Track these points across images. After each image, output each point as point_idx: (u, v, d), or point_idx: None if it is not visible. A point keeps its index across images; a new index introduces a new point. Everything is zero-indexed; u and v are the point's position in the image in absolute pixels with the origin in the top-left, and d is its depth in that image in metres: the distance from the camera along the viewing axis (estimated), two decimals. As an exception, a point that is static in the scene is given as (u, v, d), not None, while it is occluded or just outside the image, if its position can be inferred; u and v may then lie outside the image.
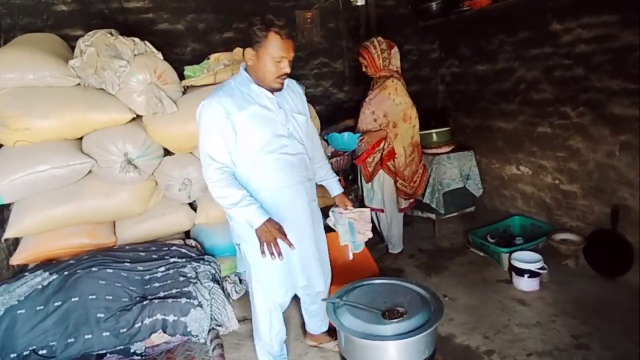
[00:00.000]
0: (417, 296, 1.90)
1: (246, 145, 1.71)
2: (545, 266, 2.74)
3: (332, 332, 2.37)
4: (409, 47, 4.10)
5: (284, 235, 1.68)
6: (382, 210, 3.22)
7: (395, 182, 3.10)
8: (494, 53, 3.56)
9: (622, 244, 2.73)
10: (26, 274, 2.08)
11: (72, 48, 2.55)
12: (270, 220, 1.68)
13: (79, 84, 2.39)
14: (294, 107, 1.85)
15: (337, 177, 2.19)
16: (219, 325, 2.00)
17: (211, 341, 1.86)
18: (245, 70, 1.77)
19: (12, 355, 1.72)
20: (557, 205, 3.25)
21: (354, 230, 2.13)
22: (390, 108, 2.94)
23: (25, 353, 1.73)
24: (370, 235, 2.19)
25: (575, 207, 3.10)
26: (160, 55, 2.54)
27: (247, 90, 1.72)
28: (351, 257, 2.35)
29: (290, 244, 1.69)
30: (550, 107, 3.13)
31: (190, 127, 2.48)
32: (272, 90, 1.75)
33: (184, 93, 2.68)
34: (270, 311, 1.98)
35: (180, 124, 2.45)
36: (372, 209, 3.20)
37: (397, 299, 1.87)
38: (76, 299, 1.87)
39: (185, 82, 2.64)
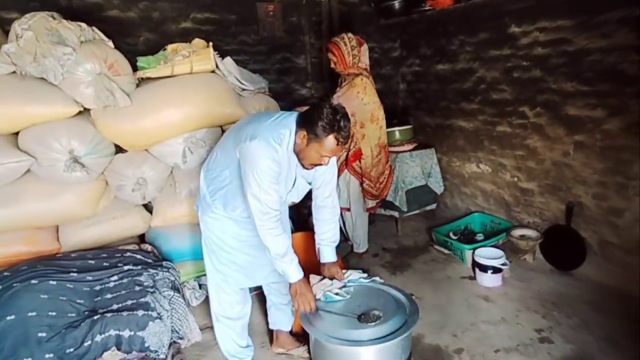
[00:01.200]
0: (391, 298, 1.85)
1: None
2: (507, 262, 2.81)
3: (300, 338, 2.28)
4: (370, 45, 4.01)
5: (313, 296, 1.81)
6: (348, 209, 3.17)
7: (362, 182, 3.05)
8: (455, 53, 3.61)
9: (576, 239, 2.85)
10: (-49, 289, 1.81)
11: (7, 33, 2.26)
12: (304, 279, 1.79)
13: (14, 72, 2.12)
14: (305, 174, 1.87)
15: (336, 243, 2.03)
16: (181, 338, 1.84)
17: (172, 357, 1.70)
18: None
19: None
20: (515, 202, 3.35)
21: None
22: (358, 107, 2.87)
23: (-49, 382, 1.50)
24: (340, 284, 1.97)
25: (532, 204, 3.21)
26: (111, 44, 2.32)
27: (288, 152, 1.73)
28: None
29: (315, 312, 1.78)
30: (509, 107, 3.22)
31: (146, 123, 2.31)
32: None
33: (137, 86, 2.47)
34: (219, 287, 1.95)
35: (133, 120, 2.25)
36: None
37: (371, 302, 1.82)
38: (12, 317, 1.64)
39: (140, 74, 2.43)
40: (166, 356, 1.74)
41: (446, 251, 3.29)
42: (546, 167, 3.04)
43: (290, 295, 1.85)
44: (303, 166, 1.76)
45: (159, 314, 1.80)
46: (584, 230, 2.86)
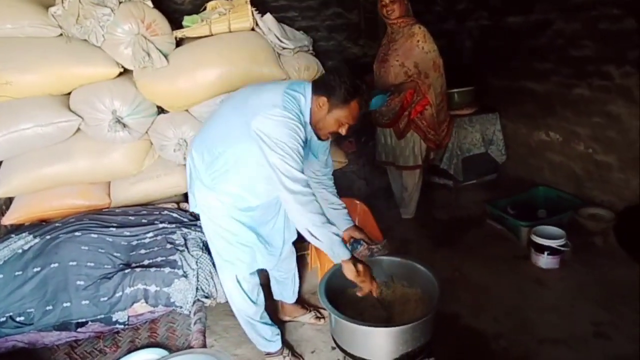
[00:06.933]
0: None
1: None
2: (569, 243, 2.50)
3: (304, 304, 2.31)
4: (433, -4, 3.71)
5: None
6: (416, 167, 3.08)
7: (425, 134, 2.95)
8: (530, 1, 3.13)
9: (660, 223, 2.45)
10: (12, 235, 2.01)
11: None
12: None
13: (62, 35, 2.21)
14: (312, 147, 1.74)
15: (346, 209, 1.85)
16: (207, 297, 1.90)
17: (194, 314, 1.77)
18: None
19: (-11, 321, 1.67)
20: (588, 177, 2.95)
21: None
22: (420, 57, 2.77)
23: (1, 319, 1.68)
24: None
25: (609, 180, 2.79)
26: (149, 3, 2.30)
27: (303, 125, 1.57)
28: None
29: None
30: (590, 65, 2.76)
31: (182, 83, 2.31)
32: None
33: (178, 45, 2.47)
34: (236, 280, 1.85)
35: (170, 80, 2.26)
36: (403, 168, 3.10)
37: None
38: (55, 265, 1.79)
39: (177, 33, 2.41)
40: (189, 312, 1.81)
41: (500, 227, 3.02)
42: (630, 138, 2.59)
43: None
44: (319, 137, 1.65)
45: (184, 272, 1.86)
46: (671, 214, 2.44)
